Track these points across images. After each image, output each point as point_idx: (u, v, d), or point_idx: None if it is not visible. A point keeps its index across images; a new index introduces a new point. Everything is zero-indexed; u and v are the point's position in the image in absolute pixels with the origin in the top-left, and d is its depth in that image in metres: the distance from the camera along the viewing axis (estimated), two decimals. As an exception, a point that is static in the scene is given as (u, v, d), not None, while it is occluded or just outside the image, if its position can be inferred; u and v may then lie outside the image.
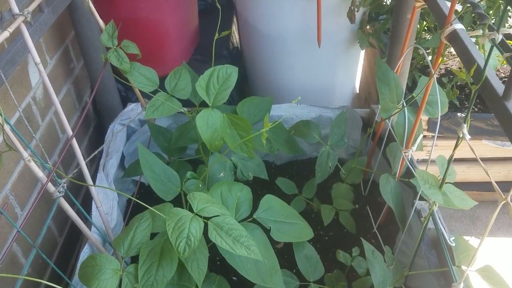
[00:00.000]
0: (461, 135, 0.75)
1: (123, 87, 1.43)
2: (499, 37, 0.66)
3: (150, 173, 0.88)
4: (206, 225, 0.73)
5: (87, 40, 1.18)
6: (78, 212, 0.85)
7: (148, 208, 0.74)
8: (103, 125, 1.42)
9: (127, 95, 1.43)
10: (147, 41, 1.31)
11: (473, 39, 0.83)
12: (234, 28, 1.81)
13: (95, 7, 1.18)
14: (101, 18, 1.03)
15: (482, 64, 0.71)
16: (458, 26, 0.80)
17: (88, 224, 0.91)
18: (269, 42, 1.40)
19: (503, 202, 0.64)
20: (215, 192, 0.86)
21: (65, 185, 0.79)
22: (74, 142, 0.85)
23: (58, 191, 0.79)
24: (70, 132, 0.84)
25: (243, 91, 1.78)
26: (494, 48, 0.68)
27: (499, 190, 0.65)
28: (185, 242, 0.68)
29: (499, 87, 0.66)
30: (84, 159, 1.25)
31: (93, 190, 0.88)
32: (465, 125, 0.74)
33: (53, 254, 1.17)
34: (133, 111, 1.22)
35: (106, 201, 0.98)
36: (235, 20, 1.82)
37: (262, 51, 1.46)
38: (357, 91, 2.05)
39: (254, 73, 1.60)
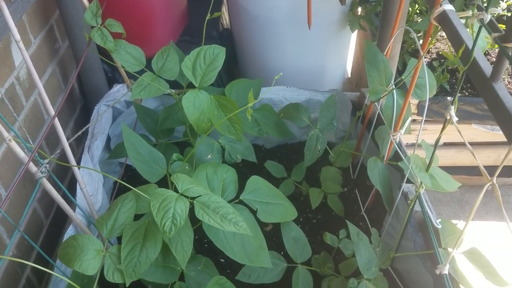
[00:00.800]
0: (448, 117, 0.74)
1: (109, 68, 1.40)
2: (487, 17, 0.65)
3: (135, 154, 0.87)
4: (192, 207, 0.72)
5: (72, 19, 1.15)
6: (64, 196, 0.84)
7: (132, 189, 0.73)
8: (90, 107, 1.40)
9: (114, 76, 1.41)
10: (133, 20, 1.29)
11: (463, 21, 0.82)
12: (224, 9, 1.78)
13: (80, -15, 1.15)
14: (86, -4, 1.00)
15: (471, 46, 0.70)
16: (448, 7, 0.79)
17: (74, 206, 0.90)
18: (259, 24, 1.38)
19: (488, 184, 0.63)
20: (201, 173, 0.85)
21: (47, 165, 0.78)
22: (57, 122, 0.83)
23: (41, 171, 0.77)
24: (52, 112, 0.82)
25: (233, 74, 1.76)
26: (483, 29, 0.67)
27: (486, 172, 0.65)
28: (171, 222, 0.67)
29: (487, 68, 0.65)
30: (69, 140, 1.24)
31: (76, 171, 0.86)
32: (452, 107, 0.74)
33: (39, 236, 1.16)
34: (119, 92, 1.20)
35: (91, 183, 0.97)
36: (225, 1, 1.79)
37: (252, 33, 1.43)
38: (349, 75, 2.04)
39: (244, 55, 1.58)
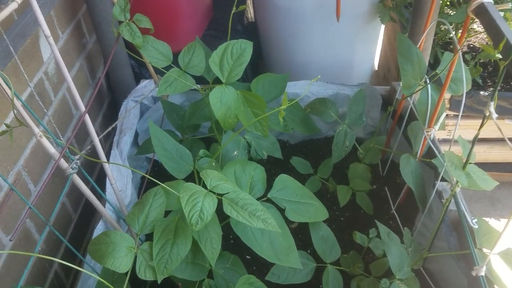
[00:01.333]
0: (487, 114, 0.71)
1: (136, 63, 1.40)
2: (534, 8, 0.62)
3: (162, 151, 0.86)
4: (220, 204, 0.71)
5: (99, 14, 1.15)
6: (92, 189, 0.84)
7: (160, 185, 0.72)
8: (117, 102, 1.40)
9: (141, 72, 1.41)
10: (159, 15, 1.28)
11: (502, 14, 0.79)
12: (249, 2, 1.76)
13: (107, -21, 1.15)
14: (113, -9, 1.00)
15: (511, 40, 0.66)
16: (486, -1, 0.76)
17: (103, 201, 0.91)
18: (285, 16, 1.35)
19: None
20: (229, 171, 0.84)
21: (78, 161, 0.78)
22: (87, 118, 0.83)
23: (71, 167, 0.77)
24: (83, 108, 0.82)
25: (257, 68, 1.74)
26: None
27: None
28: (198, 215, 0.66)
29: (532, 63, 0.62)
30: (98, 136, 1.24)
31: (106, 167, 0.86)
32: (492, 103, 0.71)
33: (67, 230, 1.17)
34: (146, 87, 1.20)
35: (120, 178, 0.97)
36: (250, -6, 1.77)
37: (278, 26, 1.41)
38: (376, 68, 2.00)
39: (269, 49, 1.56)
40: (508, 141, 0.68)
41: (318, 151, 1.38)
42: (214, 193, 0.71)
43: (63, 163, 0.76)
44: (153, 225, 0.72)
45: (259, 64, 1.77)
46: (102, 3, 1.13)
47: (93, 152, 0.89)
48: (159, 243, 0.69)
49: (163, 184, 0.73)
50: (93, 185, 0.84)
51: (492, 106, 0.71)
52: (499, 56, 1.17)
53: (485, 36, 1.60)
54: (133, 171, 1.11)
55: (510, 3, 0.75)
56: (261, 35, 1.61)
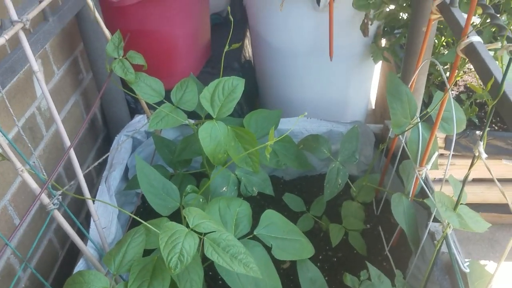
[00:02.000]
0: (477, 154, 0.70)
1: (132, 98, 1.41)
2: (518, 49, 0.62)
3: (147, 186, 0.85)
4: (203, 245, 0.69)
5: (95, 51, 1.17)
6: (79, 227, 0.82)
7: (142, 222, 0.71)
8: (112, 137, 1.40)
9: (136, 107, 1.41)
10: (156, 53, 1.30)
11: (492, 53, 0.79)
12: (248, 41, 1.79)
13: (104, 18, 1.18)
14: (111, 30, 1.02)
15: (500, 79, 0.66)
16: (475, 38, 0.76)
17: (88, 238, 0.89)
18: (280, 56, 1.37)
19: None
20: (213, 207, 0.82)
21: (60, 197, 0.77)
22: (72, 153, 0.82)
23: (53, 203, 0.76)
24: (68, 143, 0.81)
25: (254, 105, 1.75)
26: (513, 61, 0.63)
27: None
28: (177, 258, 0.64)
29: (518, 103, 0.61)
30: (92, 171, 1.24)
31: (89, 203, 0.85)
32: (481, 143, 0.69)
33: (53, 266, 1.14)
34: (140, 122, 1.20)
35: (106, 215, 0.96)
36: (248, 34, 1.80)
37: (273, 65, 1.43)
38: (373, 107, 2.00)
39: (265, 87, 1.57)
40: (496, 181, 0.66)
41: (313, 188, 1.36)
42: (196, 232, 0.69)
43: (45, 199, 0.75)
44: (130, 265, 0.69)
45: (256, 102, 1.78)
46: (98, 40, 1.15)
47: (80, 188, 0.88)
48: (134, 284, 0.67)
49: (144, 222, 0.71)
50: (76, 223, 0.83)
51: (481, 146, 0.70)
52: (488, 95, 1.16)
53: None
54: (120, 207, 1.10)
55: (499, 42, 0.75)
56: (257, 72, 1.63)
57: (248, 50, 1.76)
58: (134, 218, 0.73)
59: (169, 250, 0.64)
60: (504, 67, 0.62)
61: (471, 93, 1.52)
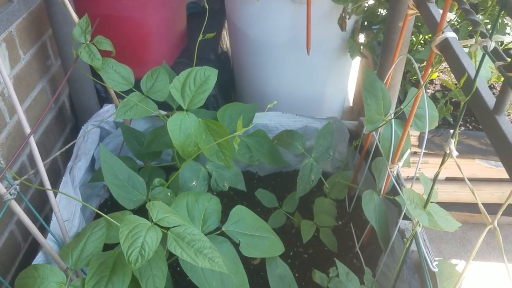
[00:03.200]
0: (448, 152, 0.69)
1: (102, 87, 1.37)
2: (491, 45, 0.61)
3: (112, 178, 0.82)
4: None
5: (64, 36, 1.12)
6: (46, 219, 0.79)
7: (103, 216, 0.67)
8: (80, 127, 1.36)
9: (107, 97, 1.37)
10: (128, 40, 1.26)
11: (466, 50, 0.78)
12: (226, 33, 1.76)
13: (74, 1, 1.13)
14: (81, 14, 0.97)
15: (473, 75, 0.65)
16: (450, 34, 0.75)
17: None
18: (257, 48, 1.34)
19: (489, 227, 0.57)
20: (181, 202, 0.79)
21: (17, 187, 0.73)
22: (32, 140, 0.78)
23: (10, 193, 0.72)
24: (28, 130, 0.77)
25: (230, 98, 1.72)
26: (487, 58, 0.62)
27: (486, 213, 0.59)
28: (138, 252, 0.61)
29: (490, 100, 0.60)
30: (58, 161, 1.19)
31: (50, 193, 0.81)
32: (452, 141, 0.68)
33: (15, 259, 1.10)
34: (109, 112, 1.16)
35: (69, 207, 0.92)
36: (226, 25, 1.76)
37: (250, 57, 1.40)
38: (351, 105, 2.00)
39: (242, 80, 1.54)
40: (467, 180, 0.66)
41: (287, 184, 1.34)
42: (160, 226, 0.66)
43: (1, 189, 0.71)
44: (89, 260, 0.66)
45: (232, 94, 1.75)
46: (67, 25, 1.10)
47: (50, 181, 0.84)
48: (93, 280, 0.63)
49: (105, 215, 0.68)
50: (35, 214, 0.79)
51: (452, 144, 0.69)
52: (461, 93, 1.15)
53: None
54: (88, 197, 1.06)
55: (474, 39, 0.74)
56: (234, 65, 1.60)
57: (226, 42, 1.73)
58: (97, 212, 0.70)
59: (129, 244, 0.61)
60: (477, 65, 0.61)
61: (446, 92, 1.53)
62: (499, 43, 1.37)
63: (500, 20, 1.21)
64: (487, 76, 0.78)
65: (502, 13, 0.59)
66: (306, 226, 1.06)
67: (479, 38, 0.63)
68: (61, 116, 1.32)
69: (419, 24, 1.48)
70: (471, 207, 1.51)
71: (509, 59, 0.57)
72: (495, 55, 0.61)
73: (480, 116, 0.62)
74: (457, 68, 0.70)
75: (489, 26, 1.24)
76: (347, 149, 1.26)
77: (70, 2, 1.08)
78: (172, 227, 0.67)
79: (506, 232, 1.54)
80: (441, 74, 1.66)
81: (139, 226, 0.63)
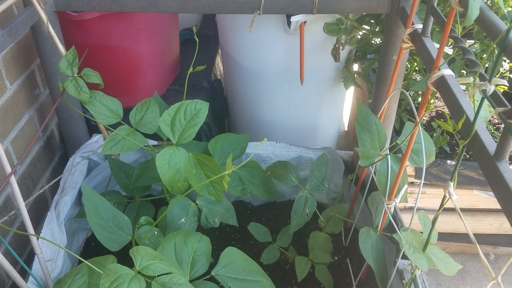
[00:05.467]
0: (447, 195, 0.66)
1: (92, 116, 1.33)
2: (491, 88, 0.58)
3: (95, 218, 0.78)
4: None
5: (52, 66, 1.09)
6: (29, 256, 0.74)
7: (83, 262, 0.64)
8: (69, 156, 1.32)
9: (97, 125, 1.34)
10: (118, 70, 1.23)
11: (463, 87, 0.76)
12: (219, 59, 1.74)
13: (63, 31, 1.11)
14: (69, 44, 0.95)
15: (472, 117, 0.63)
16: (447, 72, 0.73)
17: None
18: (250, 76, 1.33)
19: (492, 282, 0.54)
20: (168, 243, 0.75)
21: (-5, 230, 0.69)
22: (13, 181, 0.75)
23: (-13, 236, 0.69)
24: (9, 169, 0.74)
25: (223, 125, 1.69)
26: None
27: (489, 267, 0.56)
28: (121, 307, 0.58)
29: (491, 145, 0.58)
30: (46, 192, 1.15)
31: (31, 236, 0.77)
32: (451, 183, 0.65)
33: (-3, 298, 1.05)
34: (98, 142, 1.13)
35: (52, 246, 0.88)
36: (220, 52, 1.75)
37: (243, 85, 1.38)
38: (346, 129, 1.97)
39: (235, 108, 1.52)
40: (460, 212, 0.62)
41: (281, 215, 1.31)
42: (144, 275, 0.62)
43: (-23, 232, 0.67)
44: (69, 311, 0.62)
45: (226, 122, 1.73)
46: (54, 55, 1.08)
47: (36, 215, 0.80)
48: (71, 335, 0.59)
49: (86, 262, 0.64)
50: (16, 257, 0.75)
51: (451, 187, 0.66)
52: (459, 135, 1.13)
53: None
54: (72, 234, 1.02)
55: (471, 77, 0.72)
56: (227, 93, 1.58)
57: (219, 68, 1.71)
58: (94, 247, 0.66)
59: (111, 298, 0.58)
60: (476, 104, 0.59)
61: (443, 120, 1.51)
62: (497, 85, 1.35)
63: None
64: (485, 116, 0.76)
65: (501, 55, 0.57)
66: (301, 263, 1.02)
67: (478, 81, 0.61)
68: (50, 145, 1.29)
69: (414, 51, 1.47)
70: (469, 238, 1.48)
71: (509, 105, 0.55)
72: (494, 99, 0.58)
73: (480, 161, 0.60)
74: (455, 108, 0.68)
75: (486, 62, 1.23)
76: (342, 180, 1.23)
77: (58, 32, 1.06)
78: (158, 276, 0.63)
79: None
80: (436, 101, 1.65)
81: (121, 277, 0.59)
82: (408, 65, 1.51)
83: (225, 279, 0.78)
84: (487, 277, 1.45)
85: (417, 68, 1.55)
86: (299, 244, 1.15)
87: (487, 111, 0.75)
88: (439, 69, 0.73)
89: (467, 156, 1.41)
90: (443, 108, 1.58)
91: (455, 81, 0.71)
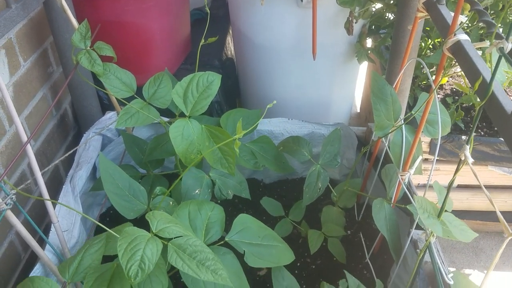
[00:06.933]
0: (463, 158, 0.65)
1: (105, 94, 1.35)
2: (508, 46, 0.57)
3: (111, 187, 0.79)
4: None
5: (65, 42, 1.10)
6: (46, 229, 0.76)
7: (104, 228, 0.65)
8: (83, 134, 1.34)
9: (110, 104, 1.35)
10: (130, 47, 1.24)
11: (480, 53, 0.75)
12: (230, 39, 1.74)
13: (75, 7, 1.11)
14: (82, 20, 0.95)
15: (488, 78, 0.62)
16: (462, 36, 0.72)
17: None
18: (262, 53, 1.32)
19: (510, 238, 0.54)
20: (183, 211, 0.76)
21: (14, 197, 0.71)
22: (29, 148, 0.76)
23: (5, 203, 0.70)
24: (25, 137, 0.75)
25: (235, 105, 1.69)
26: (503, 62, 0.59)
27: (505, 222, 0.55)
28: (138, 266, 0.58)
29: (508, 104, 0.57)
30: (60, 169, 1.16)
31: (48, 203, 0.78)
32: (467, 147, 0.65)
33: (15, 270, 1.07)
34: (111, 119, 1.14)
35: (68, 217, 0.89)
36: (231, 31, 1.74)
37: (255, 63, 1.37)
38: (358, 110, 1.96)
39: (247, 86, 1.52)
40: (484, 188, 0.62)
41: (293, 191, 1.31)
42: (160, 237, 0.63)
43: (-4, 198, 0.68)
44: (86, 273, 0.63)
45: (237, 102, 1.73)
46: (67, 31, 1.08)
47: (51, 186, 0.82)
48: (89, 294, 0.60)
49: (104, 226, 0.65)
50: (45, 224, 0.76)
51: (467, 150, 0.65)
52: (475, 97, 1.12)
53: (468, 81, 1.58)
54: (89, 208, 1.03)
55: (488, 41, 0.71)
56: (239, 71, 1.57)
57: (230, 48, 1.71)
58: (97, 224, 0.67)
59: (128, 258, 0.58)
60: (493, 67, 0.58)
61: (457, 97, 1.49)
62: None
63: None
64: (502, 80, 0.75)
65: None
66: (314, 236, 1.03)
67: (494, 40, 0.60)
68: (63, 124, 1.30)
69: (428, 28, 1.45)
70: (484, 215, 1.47)
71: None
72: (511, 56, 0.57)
73: (497, 121, 0.59)
74: (471, 71, 0.67)
75: (501, 30, 1.21)
76: (355, 156, 1.23)
77: (70, 8, 1.07)
78: (173, 238, 0.64)
79: (520, 241, 1.49)
80: (451, 79, 1.63)
81: (138, 238, 0.60)
82: (422, 44, 1.49)
83: (239, 245, 0.78)
84: (502, 256, 1.44)
85: (430, 46, 1.53)
86: (312, 219, 1.16)
87: (504, 75, 0.74)
88: (455, 35, 0.72)
89: (481, 133, 1.39)
90: (457, 83, 1.56)
91: (471, 46, 0.70)
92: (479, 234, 1.51)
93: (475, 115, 0.62)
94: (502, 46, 0.57)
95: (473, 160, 0.64)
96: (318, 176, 1.06)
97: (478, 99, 0.63)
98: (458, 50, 0.71)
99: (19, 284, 0.63)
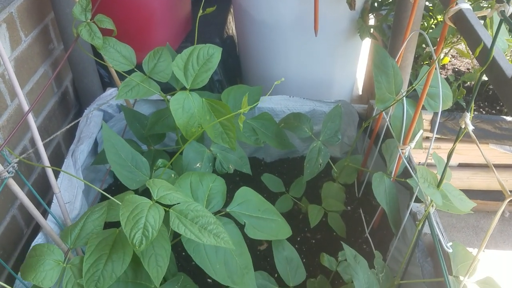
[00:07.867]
0: (463, 126, 0.65)
1: (106, 72, 1.34)
2: (509, 9, 0.57)
3: (115, 158, 0.79)
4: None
5: (65, 18, 1.10)
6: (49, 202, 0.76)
7: (108, 197, 0.65)
8: (84, 111, 1.34)
9: (110, 81, 1.35)
10: (130, 22, 1.23)
11: (481, 22, 0.74)
12: (231, 18, 1.73)
13: (76, -18, 1.10)
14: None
15: (489, 44, 0.62)
16: (464, 5, 0.71)
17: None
18: (263, 30, 1.31)
19: (508, 199, 0.54)
20: (184, 182, 0.76)
21: (15, 165, 0.71)
22: (30, 118, 0.76)
23: (7, 171, 0.70)
24: (26, 107, 0.75)
25: (236, 83, 1.69)
26: (503, 29, 0.59)
27: (504, 186, 0.55)
28: (142, 233, 0.59)
29: (508, 68, 0.57)
30: (61, 147, 1.17)
31: (49, 173, 0.79)
32: (468, 114, 0.65)
33: (18, 244, 1.08)
34: (112, 95, 1.14)
35: (70, 189, 0.90)
36: (231, 9, 1.73)
37: (256, 40, 1.37)
38: (360, 93, 1.95)
39: (247, 63, 1.51)
40: (492, 167, 0.62)
41: (294, 169, 1.31)
42: (162, 204, 0.63)
43: (-1, 166, 0.69)
44: (88, 238, 0.64)
45: (238, 80, 1.72)
46: (68, 6, 1.08)
47: (54, 159, 0.82)
48: (91, 258, 0.61)
49: (108, 195, 0.65)
50: (32, 191, 0.77)
51: (468, 117, 0.65)
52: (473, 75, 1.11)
53: (469, 61, 1.57)
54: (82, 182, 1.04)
55: (489, 9, 0.70)
56: (240, 49, 1.57)
57: (231, 27, 1.70)
58: (100, 192, 0.67)
59: (131, 226, 0.59)
60: (494, 31, 0.58)
61: (459, 76, 1.49)
62: None
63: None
64: (503, 47, 0.74)
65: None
66: (314, 211, 1.03)
67: (495, 4, 0.59)
68: (65, 102, 1.30)
69: (431, 7, 1.44)
70: (485, 194, 1.47)
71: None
72: (513, 20, 0.57)
73: (497, 85, 0.59)
74: (473, 38, 0.66)
75: None
76: (356, 133, 1.23)
77: (71, -19, 1.06)
78: (175, 204, 0.64)
79: (521, 220, 1.50)
80: (453, 59, 1.62)
81: (140, 206, 0.61)
82: (425, 23, 1.48)
83: (240, 216, 0.79)
84: (502, 234, 1.45)
85: (433, 26, 1.52)
86: (312, 195, 1.16)
87: (505, 43, 0.74)
88: (457, 3, 0.72)
89: (483, 111, 1.39)
90: (459, 67, 1.55)
91: (473, 14, 0.70)
92: (480, 214, 1.52)
93: (476, 81, 0.62)
94: (503, 9, 0.57)
95: (473, 128, 0.64)
96: (319, 152, 1.06)
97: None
98: (460, 19, 0.71)
99: (28, 253, 0.63)
